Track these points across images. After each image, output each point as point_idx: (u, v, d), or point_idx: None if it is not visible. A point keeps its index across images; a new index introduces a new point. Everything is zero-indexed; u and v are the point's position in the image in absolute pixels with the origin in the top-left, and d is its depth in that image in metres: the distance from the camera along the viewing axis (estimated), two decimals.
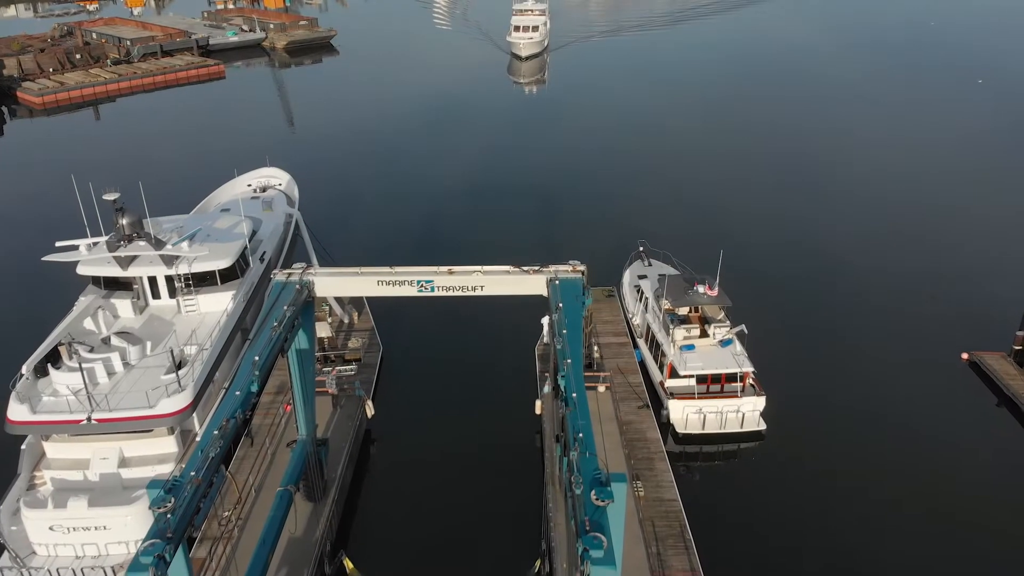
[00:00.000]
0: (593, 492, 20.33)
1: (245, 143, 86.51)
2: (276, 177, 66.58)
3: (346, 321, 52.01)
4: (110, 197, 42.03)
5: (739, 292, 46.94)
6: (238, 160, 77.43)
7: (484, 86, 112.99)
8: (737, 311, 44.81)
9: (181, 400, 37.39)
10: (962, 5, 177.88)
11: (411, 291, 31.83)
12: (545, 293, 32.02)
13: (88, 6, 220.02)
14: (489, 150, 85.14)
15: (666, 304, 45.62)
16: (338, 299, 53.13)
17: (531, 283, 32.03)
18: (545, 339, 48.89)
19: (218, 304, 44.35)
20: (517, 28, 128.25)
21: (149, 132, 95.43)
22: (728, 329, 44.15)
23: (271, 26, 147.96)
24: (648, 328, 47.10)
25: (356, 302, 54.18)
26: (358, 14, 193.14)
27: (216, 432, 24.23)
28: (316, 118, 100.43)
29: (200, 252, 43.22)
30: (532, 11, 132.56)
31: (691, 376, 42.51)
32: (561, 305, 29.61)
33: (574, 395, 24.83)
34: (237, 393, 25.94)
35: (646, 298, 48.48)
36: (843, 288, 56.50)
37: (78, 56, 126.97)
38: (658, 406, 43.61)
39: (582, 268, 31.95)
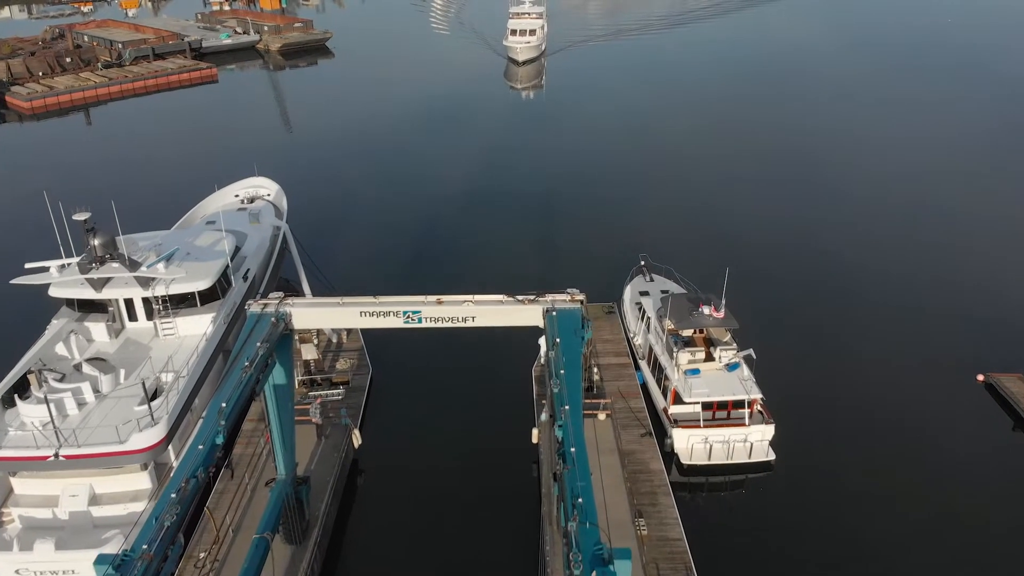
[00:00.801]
0: (594, 573, 18.04)
1: (235, 150, 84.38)
2: (264, 187, 64.20)
3: (334, 340, 49.82)
4: (80, 217, 39.83)
5: (745, 311, 44.77)
6: (227, 168, 75.18)
7: (480, 91, 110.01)
8: (744, 332, 42.61)
9: (154, 434, 35.19)
10: (978, 4, 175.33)
11: (397, 322, 29.59)
12: (541, 324, 29.74)
13: (83, 8, 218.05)
14: (485, 158, 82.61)
15: (669, 325, 43.36)
16: None
17: (526, 314, 29.78)
18: (543, 359, 46.76)
19: (198, 327, 42.15)
20: (514, 32, 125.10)
21: (137, 139, 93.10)
22: (735, 352, 41.94)
23: (265, 28, 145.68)
24: (650, 350, 44.84)
25: None
26: (355, 14, 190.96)
27: (174, 495, 21.91)
28: (308, 124, 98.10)
29: (177, 273, 40.98)
30: (529, 14, 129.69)
31: (696, 403, 40.22)
32: (559, 341, 27.28)
33: (572, 450, 22.46)
34: (200, 447, 23.64)
35: (648, 317, 46.19)
36: (855, 307, 53.81)
37: (68, 59, 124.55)
38: (661, 434, 41.36)
39: (581, 297, 29.66)
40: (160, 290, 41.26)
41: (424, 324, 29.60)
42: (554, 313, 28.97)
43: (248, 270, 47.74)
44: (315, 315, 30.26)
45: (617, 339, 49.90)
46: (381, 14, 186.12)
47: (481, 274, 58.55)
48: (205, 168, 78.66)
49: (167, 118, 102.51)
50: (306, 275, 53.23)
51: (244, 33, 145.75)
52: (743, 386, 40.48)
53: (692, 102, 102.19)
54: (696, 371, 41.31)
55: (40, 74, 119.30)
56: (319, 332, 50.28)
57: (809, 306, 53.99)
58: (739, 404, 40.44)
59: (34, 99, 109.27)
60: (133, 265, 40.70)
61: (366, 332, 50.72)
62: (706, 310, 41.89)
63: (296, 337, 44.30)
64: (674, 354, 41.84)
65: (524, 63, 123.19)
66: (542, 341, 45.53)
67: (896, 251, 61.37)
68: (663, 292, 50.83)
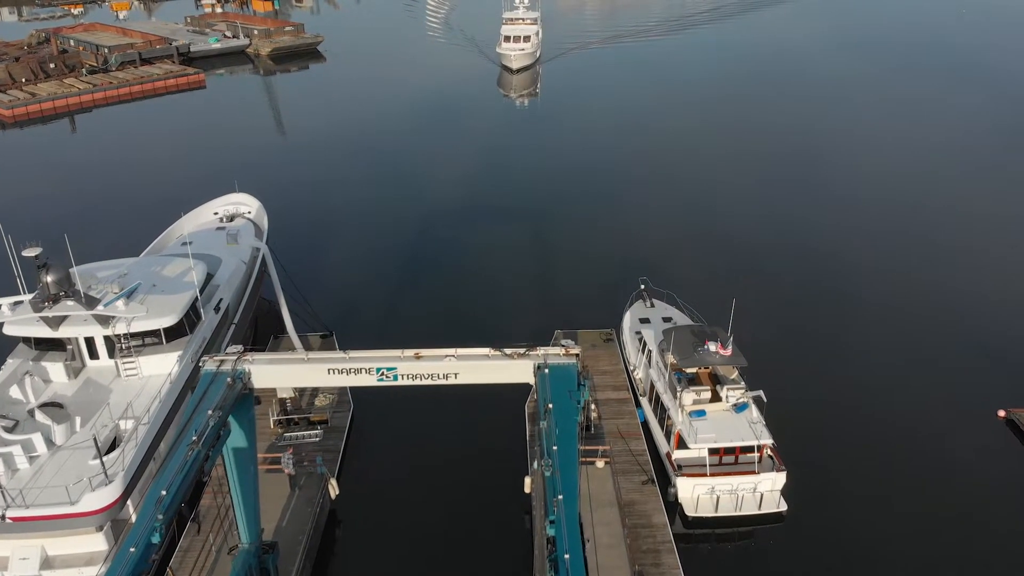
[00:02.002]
0: None
1: (217, 162, 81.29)
2: (245, 204, 61.01)
3: None
4: (31, 253, 36.63)
5: (753, 345, 41.92)
6: (209, 181, 72.35)
7: (473, 101, 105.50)
8: (752, 367, 39.43)
9: (108, 494, 32.11)
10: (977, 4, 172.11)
11: (369, 380, 26.49)
12: (531, 381, 26.55)
13: (73, 10, 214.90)
14: (478, 173, 79.01)
15: (672, 359, 40.24)
16: (306, 349, 47.90)
17: (514, 370, 26.65)
18: (536, 395, 43.63)
19: (163, 366, 38.99)
20: (507, 38, 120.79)
21: (116, 150, 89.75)
22: (743, 391, 38.78)
23: (255, 32, 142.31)
24: (652, 386, 41.72)
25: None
26: (349, 15, 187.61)
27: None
28: (295, 134, 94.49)
29: (138, 311, 37.82)
30: (523, 20, 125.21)
31: (702, 448, 37.10)
32: (551, 406, 24.09)
33: (567, 557, 19.26)
34: (132, 550, 20.45)
35: (649, 350, 43.00)
36: (870, 341, 49.91)
37: (52, 65, 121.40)
38: (664, 481, 38.29)
39: (576, 351, 26.47)
40: (121, 328, 38.08)
41: (400, 382, 26.45)
42: (546, 370, 25.78)
43: (221, 300, 44.56)
44: (278, 373, 27.08)
45: (616, 370, 46.83)
46: (374, 15, 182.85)
47: (472, 296, 55.62)
48: (185, 182, 75.70)
49: (150, 127, 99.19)
50: (285, 300, 50.04)
51: (234, 37, 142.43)
52: (752, 430, 37.37)
53: (694, 112, 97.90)
54: (702, 412, 38.21)
55: (23, 80, 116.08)
56: None
57: (821, 339, 50.19)
58: (748, 449, 37.31)
59: (16, 107, 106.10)
60: (90, 302, 37.53)
61: None
62: (712, 346, 38.73)
63: None
64: (678, 393, 38.71)
65: (518, 71, 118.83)
66: None
67: (912, 284, 56.59)
68: (664, 319, 47.88)
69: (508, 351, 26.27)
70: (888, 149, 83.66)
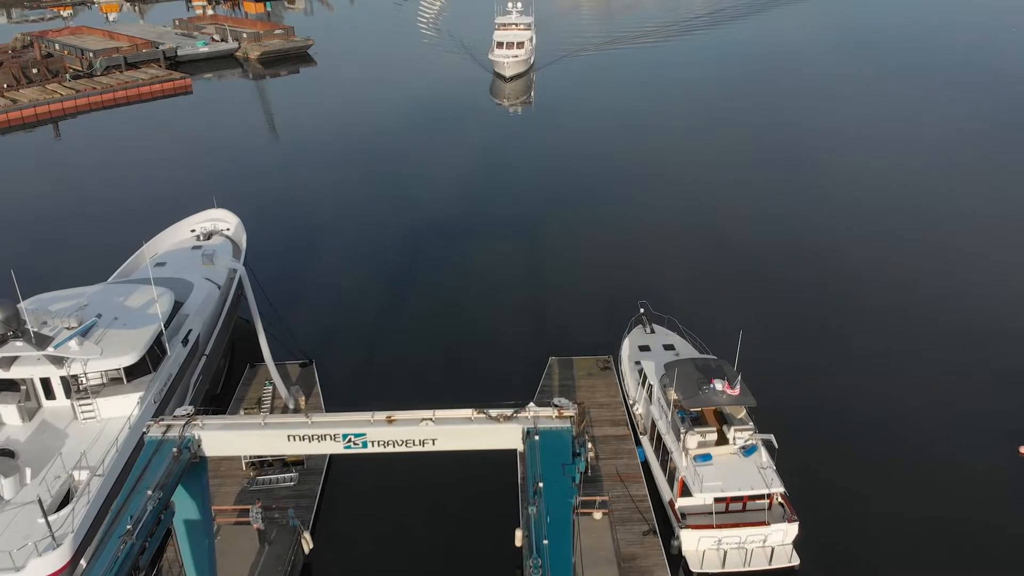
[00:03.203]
0: None
1: (198, 174, 78.27)
2: (224, 221, 58.01)
3: (291, 407, 43.63)
4: None
5: (760, 378, 39.07)
6: (188, 193, 69.61)
7: (465, 110, 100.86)
8: (760, 405, 36.37)
9: (56, 559, 29.19)
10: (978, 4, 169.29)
11: (335, 448, 23.60)
12: (520, 447, 23.51)
13: (63, 12, 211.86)
14: (469, 185, 75.42)
15: (674, 395, 37.25)
16: (284, 378, 44.97)
17: (501, 435, 23.63)
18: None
19: (123, 408, 35.94)
20: (500, 45, 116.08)
21: (96, 160, 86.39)
22: (752, 433, 35.81)
23: (244, 35, 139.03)
24: (653, 424, 38.69)
25: (305, 381, 45.90)
26: (342, 17, 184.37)
27: None
28: (280, 144, 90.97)
29: (92, 352, 34.80)
30: (517, 25, 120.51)
31: (708, 497, 34.11)
32: (542, 485, 20.98)
33: None
34: None
35: (650, 384, 40.00)
36: (889, 376, 46.17)
37: (35, 71, 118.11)
38: (667, 532, 35.28)
39: (570, 413, 23.40)
40: (77, 368, 35.05)
41: (371, 450, 23.46)
42: (536, 437, 22.68)
43: (189, 331, 41.53)
44: (232, 440, 24.15)
45: (614, 402, 43.88)
46: (367, 17, 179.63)
47: (462, 320, 52.59)
48: (163, 195, 72.69)
49: (132, 136, 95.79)
50: (263, 326, 46.84)
51: (222, 41, 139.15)
52: (762, 476, 34.39)
53: (695, 121, 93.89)
54: (707, 457, 35.24)
55: (5, 86, 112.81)
56: (275, 394, 44.40)
57: (835, 372, 46.57)
58: (757, 496, 34.34)
59: None
60: (41, 341, 34.48)
61: (331, 395, 44.69)
62: (718, 384, 35.75)
63: (242, 412, 38.54)
64: (681, 435, 35.70)
65: (511, 79, 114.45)
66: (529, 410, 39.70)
67: (932, 316, 52.28)
68: (665, 347, 45.00)
69: (493, 413, 23.27)
70: (904, 161, 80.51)
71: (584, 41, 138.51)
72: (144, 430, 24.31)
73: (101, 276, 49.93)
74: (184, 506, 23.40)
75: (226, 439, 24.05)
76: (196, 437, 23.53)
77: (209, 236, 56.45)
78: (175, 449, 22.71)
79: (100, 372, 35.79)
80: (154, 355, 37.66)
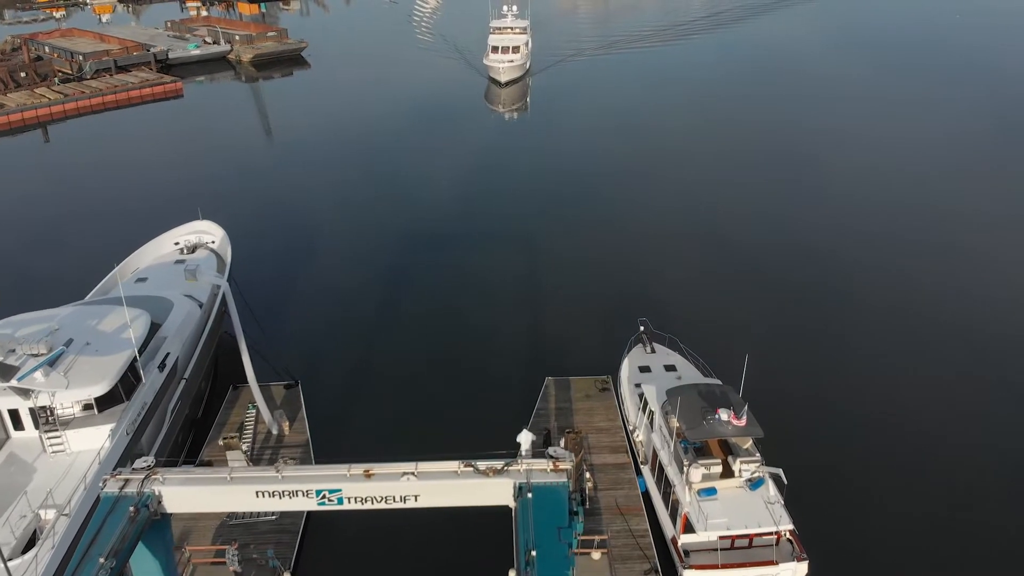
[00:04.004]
0: None
1: (185, 184, 76.08)
2: (209, 233, 56.04)
3: (274, 432, 41.67)
4: None
5: (766, 404, 37.01)
6: (174, 204, 67.57)
7: (460, 116, 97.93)
8: (767, 435, 34.36)
9: None
10: (975, 4, 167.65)
11: (307, 504, 21.64)
12: (511, 504, 21.48)
13: (55, 14, 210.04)
14: (463, 193, 72.99)
15: (675, 423, 35.30)
16: (268, 400, 42.98)
17: (489, 490, 21.64)
18: (523, 453, 38.74)
19: (93, 440, 33.93)
20: (495, 49, 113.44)
21: (81, 167, 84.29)
22: (759, 465, 33.84)
23: (237, 38, 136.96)
24: (655, 454, 36.71)
25: (290, 406, 43.91)
26: (337, 18, 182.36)
27: None
28: (269, 151, 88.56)
29: (58, 384, 32.81)
30: (512, 29, 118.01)
31: (713, 535, 32.14)
32: (535, 553, 18.92)
33: None
34: None
35: (651, 411, 38.02)
36: (904, 401, 43.40)
37: (23, 74, 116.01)
38: (669, 570, 33.36)
39: (567, 466, 21.37)
40: (44, 399, 33.06)
41: (347, 506, 21.49)
42: (529, 494, 20.64)
43: (167, 355, 39.52)
44: (195, 496, 22.19)
45: (613, 427, 41.92)
46: (362, 18, 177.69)
47: (454, 337, 50.55)
48: (149, 205, 70.67)
49: (120, 142, 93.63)
50: (246, 345, 44.60)
51: (214, 43, 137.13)
52: (769, 512, 32.45)
53: (697, 128, 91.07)
54: (712, 491, 33.28)
55: None
56: (258, 418, 42.45)
57: (846, 397, 43.85)
58: (765, 533, 32.36)
59: None
60: (5, 372, 32.54)
61: (316, 418, 42.68)
62: (724, 414, 33.79)
63: (222, 442, 36.63)
64: (685, 468, 33.73)
65: (507, 84, 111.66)
66: (522, 438, 37.81)
67: (959, 337, 49.29)
68: (666, 368, 43.06)
69: (482, 466, 21.27)
70: (918, 166, 78.55)
71: (581, 44, 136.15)
72: (101, 484, 22.29)
73: (83, 289, 48.26)
74: (144, 569, 21.41)
75: (189, 495, 22.08)
76: (156, 493, 21.57)
77: (193, 249, 54.54)
78: (132, 508, 20.73)
79: (70, 403, 33.78)
80: (127, 383, 35.68)
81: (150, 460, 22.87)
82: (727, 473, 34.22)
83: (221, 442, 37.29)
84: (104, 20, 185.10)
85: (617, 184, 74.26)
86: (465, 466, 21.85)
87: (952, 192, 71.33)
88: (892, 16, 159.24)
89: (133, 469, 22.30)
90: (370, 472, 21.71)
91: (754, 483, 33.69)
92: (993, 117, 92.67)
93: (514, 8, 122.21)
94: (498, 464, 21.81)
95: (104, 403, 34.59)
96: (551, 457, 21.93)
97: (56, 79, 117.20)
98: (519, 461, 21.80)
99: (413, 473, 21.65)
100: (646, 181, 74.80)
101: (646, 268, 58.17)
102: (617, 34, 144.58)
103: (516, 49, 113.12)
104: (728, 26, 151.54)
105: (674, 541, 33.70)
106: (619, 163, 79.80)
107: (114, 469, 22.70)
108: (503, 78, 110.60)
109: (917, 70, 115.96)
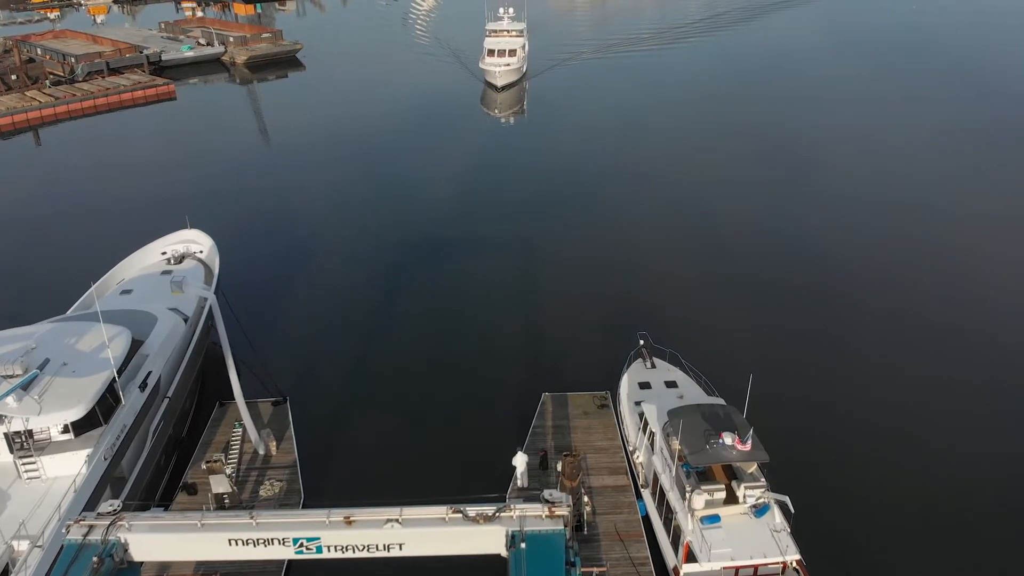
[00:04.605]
0: None
1: (174, 190, 74.66)
2: (197, 242, 54.63)
3: (261, 453, 40.23)
4: None
5: (769, 424, 35.59)
6: (163, 211, 66.26)
7: (455, 121, 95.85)
8: (772, 459, 32.95)
9: None
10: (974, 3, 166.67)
11: (284, 553, 20.32)
12: (504, 553, 20.03)
13: (50, 14, 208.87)
14: (459, 201, 71.07)
15: (676, 444, 33.90)
16: (255, 418, 41.55)
17: (480, 538, 20.25)
18: (519, 482, 37.49)
19: (69, 466, 32.47)
20: (492, 52, 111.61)
21: (69, 172, 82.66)
22: (764, 490, 32.42)
23: (231, 39, 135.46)
24: (655, 477, 35.29)
25: (278, 424, 42.47)
26: (333, 19, 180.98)
27: None
28: (261, 156, 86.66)
29: (31, 410, 31.34)
30: (508, 32, 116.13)
31: (716, 566, 30.72)
32: None
33: None
34: None
35: (651, 432, 36.60)
36: (915, 423, 41.38)
37: (13, 77, 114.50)
38: None
39: (563, 512, 19.90)
40: (17, 424, 31.61)
41: (326, 555, 20.09)
42: (522, 544, 19.19)
43: (149, 373, 38.08)
44: (164, 543, 20.83)
45: (612, 446, 40.51)
46: (358, 18, 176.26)
47: (449, 351, 49.10)
48: (136, 213, 69.30)
49: (110, 146, 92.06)
50: (234, 359, 43.12)
51: (208, 45, 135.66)
52: (776, 541, 31.06)
53: (698, 130, 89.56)
54: (715, 518, 31.87)
55: None
56: (244, 438, 41.04)
57: (854, 416, 42.12)
58: (771, 563, 30.95)
59: None
60: None
61: (302, 445, 41.21)
62: (728, 438, 32.36)
63: (205, 466, 35.21)
64: (687, 493, 32.32)
65: (503, 88, 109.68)
66: (517, 461, 36.61)
67: (977, 354, 47.30)
68: (667, 384, 41.71)
69: (471, 512, 19.79)
70: (926, 173, 77.17)
71: (578, 47, 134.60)
72: (64, 529, 20.85)
73: (67, 301, 46.88)
74: None
75: (157, 543, 20.67)
76: (122, 541, 20.14)
77: (181, 260, 53.19)
78: (96, 558, 19.30)
79: (45, 427, 32.36)
80: (106, 405, 34.24)
81: (116, 504, 21.45)
82: (731, 499, 32.84)
83: (204, 466, 35.83)
84: (99, 21, 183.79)
85: (616, 191, 72.56)
86: (453, 512, 20.38)
87: (976, 198, 69.93)
88: (890, 16, 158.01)
89: (98, 514, 20.90)
90: (351, 519, 20.24)
91: (759, 509, 32.32)
92: (992, 117, 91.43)
93: (510, 11, 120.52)
94: (489, 510, 20.33)
95: (81, 427, 33.17)
96: (547, 502, 20.46)
97: (48, 82, 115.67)
98: (511, 507, 20.33)
99: (398, 520, 20.20)
100: (646, 188, 73.19)
101: (646, 279, 56.58)
102: (615, 36, 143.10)
103: (512, 52, 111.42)
104: (727, 28, 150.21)
105: (676, 571, 32.30)
106: (618, 169, 78.13)
107: (80, 513, 21.23)
108: (499, 82, 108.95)
109: (914, 70, 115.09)
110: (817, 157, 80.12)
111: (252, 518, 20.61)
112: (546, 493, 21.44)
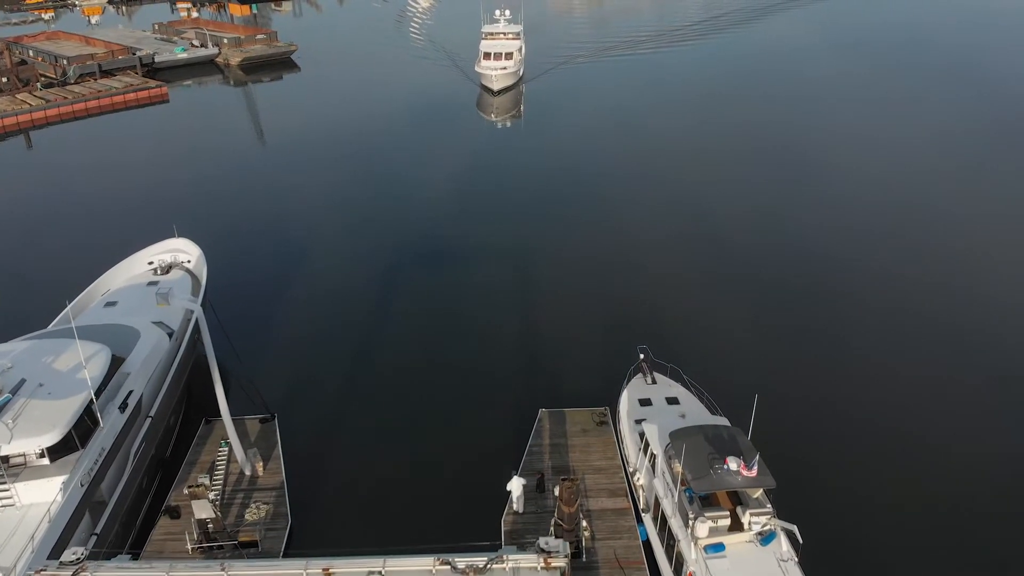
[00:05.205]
0: None
1: (164, 197, 73.16)
2: (185, 252, 53.17)
3: (247, 473, 38.79)
4: None
5: (774, 444, 34.22)
6: (152, 219, 64.89)
7: (451, 125, 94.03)
8: (777, 485, 31.53)
9: None
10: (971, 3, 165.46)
11: None
12: None
13: (44, 15, 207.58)
14: (453, 209, 69.30)
15: (678, 467, 32.49)
16: (242, 436, 40.16)
17: None
18: (515, 506, 36.08)
19: (44, 493, 31.01)
20: (488, 55, 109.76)
21: (58, 178, 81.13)
22: (771, 517, 30.99)
23: (225, 41, 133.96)
24: (657, 502, 33.86)
25: (266, 442, 41.04)
26: (330, 18, 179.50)
27: None
28: (252, 161, 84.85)
29: (1, 436, 29.86)
30: (505, 34, 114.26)
31: None
32: None
33: None
34: None
35: (653, 454, 35.17)
36: (933, 451, 39.34)
37: (4, 79, 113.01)
38: None
39: (561, 564, 18.46)
40: None
41: None
42: None
43: (130, 393, 36.63)
44: None
45: (612, 466, 39.09)
46: (354, 18, 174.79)
47: (444, 364, 47.67)
48: (126, 219, 67.85)
49: (100, 150, 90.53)
50: (221, 376, 41.51)
51: (202, 46, 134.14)
52: (783, 571, 29.63)
53: (699, 136, 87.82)
54: (720, 547, 30.44)
55: None
56: (231, 457, 39.62)
57: (865, 435, 40.51)
58: None
59: None
60: None
61: (290, 464, 39.76)
62: (733, 463, 30.94)
63: (187, 491, 33.78)
64: (690, 520, 30.88)
65: (500, 92, 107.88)
66: (512, 486, 35.22)
67: (998, 375, 45.44)
68: (668, 400, 40.30)
69: (460, 564, 18.41)
70: (939, 185, 75.76)
71: (576, 50, 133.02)
72: None
73: (51, 313, 45.51)
74: None
75: None
76: None
77: (168, 270, 51.81)
78: None
79: (19, 453, 30.92)
80: (83, 428, 32.79)
81: (81, 552, 20.09)
82: (735, 525, 31.40)
83: (186, 491, 34.38)
84: (93, 22, 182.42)
85: (615, 199, 70.96)
86: (441, 563, 18.96)
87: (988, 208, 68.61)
88: (890, 16, 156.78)
89: (60, 563, 19.51)
90: (331, 570, 18.80)
91: (765, 537, 30.87)
92: (992, 117, 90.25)
93: (507, 12, 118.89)
94: (480, 561, 18.91)
95: (56, 452, 31.72)
96: (542, 551, 19.02)
97: (39, 84, 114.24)
98: (504, 558, 18.89)
99: (380, 572, 18.74)
100: (646, 196, 71.61)
101: (646, 289, 55.12)
102: (613, 38, 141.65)
103: (509, 56, 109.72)
104: (726, 30, 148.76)
105: None
106: (617, 176, 76.52)
107: (44, 561, 19.76)
108: (496, 86, 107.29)
109: (914, 70, 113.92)
110: (822, 164, 78.69)
111: (223, 568, 19.19)
112: (542, 541, 20.04)
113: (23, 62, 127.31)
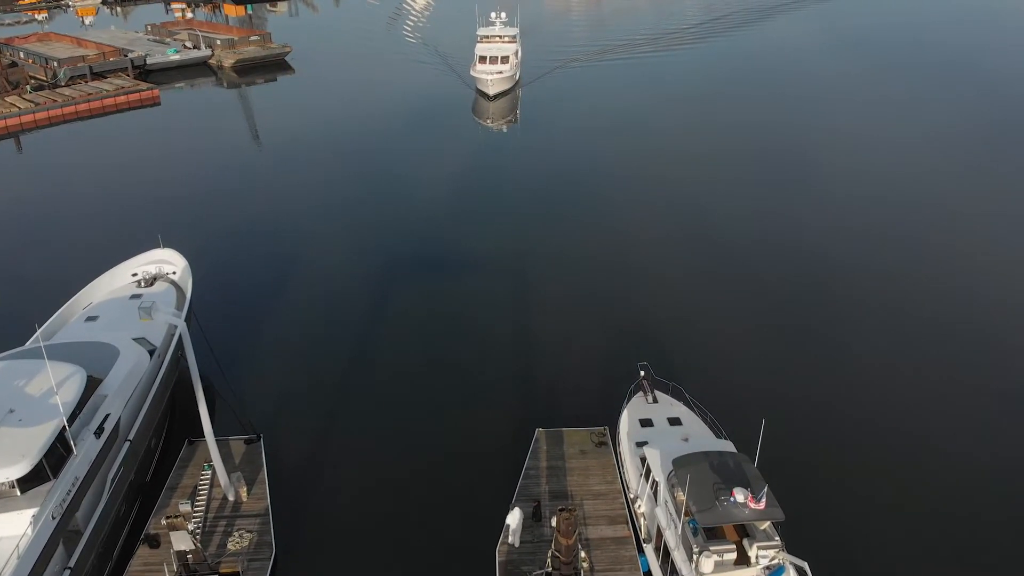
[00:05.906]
0: None
1: (150, 205, 71.35)
2: (170, 263, 51.44)
3: (231, 499, 37.14)
4: None
5: (781, 470, 32.47)
6: (137, 228, 63.15)
7: (446, 131, 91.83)
8: (787, 516, 29.99)
9: None
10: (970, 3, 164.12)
11: None
12: None
13: (37, 16, 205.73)
14: (447, 218, 67.54)
15: (681, 496, 30.91)
16: (226, 459, 38.53)
17: None
18: (509, 539, 34.44)
19: (14, 527, 29.33)
20: (483, 59, 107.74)
21: (45, 184, 79.25)
22: (779, 550, 29.42)
23: (218, 42, 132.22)
24: (659, 532, 32.25)
25: (251, 465, 39.41)
26: (326, 19, 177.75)
27: None
28: (243, 167, 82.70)
29: None
30: (501, 37, 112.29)
31: None
32: None
33: None
34: None
35: (655, 481, 33.57)
36: (950, 479, 37.50)
37: None
38: None
39: None
40: None
41: None
42: None
43: (107, 416, 34.93)
44: None
45: (612, 491, 37.47)
46: (351, 20, 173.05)
47: (437, 382, 46.02)
48: (110, 229, 66.08)
49: (88, 155, 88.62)
50: (205, 395, 39.71)
51: (195, 48, 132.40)
52: None
53: (700, 141, 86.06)
54: None
55: None
56: (214, 481, 37.99)
57: (875, 460, 38.80)
58: None
59: None
60: None
61: (275, 488, 38.10)
62: (740, 495, 29.34)
63: (165, 521, 32.11)
64: (694, 554, 29.28)
65: (496, 97, 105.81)
66: (510, 519, 33.61)
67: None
68: (670, 421, 38.78)
69: None
70: (942, 191, 74.22)
71: (573, 52, 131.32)
72: None
73: (28, 328, 43.99)
74: None
75: None
76: None
77: (152, 282, 50.05)
78: None
79: None
80: (55, 456, 31.11)
81: None
82: (742, 559, 29.82)
83: (164, 521, 32.69)
84: (87, 23, 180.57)
85: (614, 207, 69.19)
86: None
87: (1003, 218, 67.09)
88: (889, 16, 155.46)
89: None
90: None
91: (773, 572, 29.33)
92: (993, 117, 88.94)
93: (503, 15, 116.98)
94: None
95: (27, 483, 30.08)
96: None
97: (29, 87, 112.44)
98: None
99: None
100: (646, 204, 69.86)
101: (646, 305, 53.30)
102: (610, 40, 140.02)
103: (505, 59, 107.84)
104: (725, 31, 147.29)
105: None
106: (615, 183, 74.74)
107: None
108: (491, 90, 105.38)
109: (914, 70, 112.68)
110: (827, 171, 77.07)
111: None
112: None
113: (13, 64, 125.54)
